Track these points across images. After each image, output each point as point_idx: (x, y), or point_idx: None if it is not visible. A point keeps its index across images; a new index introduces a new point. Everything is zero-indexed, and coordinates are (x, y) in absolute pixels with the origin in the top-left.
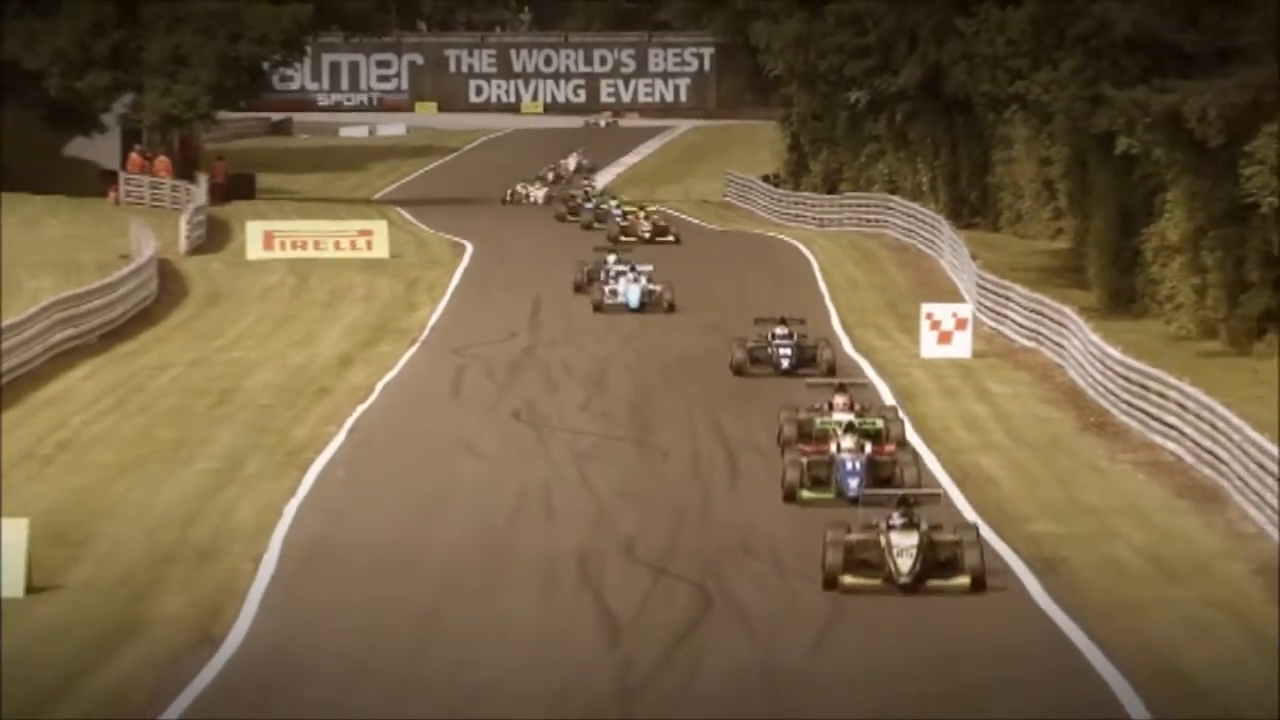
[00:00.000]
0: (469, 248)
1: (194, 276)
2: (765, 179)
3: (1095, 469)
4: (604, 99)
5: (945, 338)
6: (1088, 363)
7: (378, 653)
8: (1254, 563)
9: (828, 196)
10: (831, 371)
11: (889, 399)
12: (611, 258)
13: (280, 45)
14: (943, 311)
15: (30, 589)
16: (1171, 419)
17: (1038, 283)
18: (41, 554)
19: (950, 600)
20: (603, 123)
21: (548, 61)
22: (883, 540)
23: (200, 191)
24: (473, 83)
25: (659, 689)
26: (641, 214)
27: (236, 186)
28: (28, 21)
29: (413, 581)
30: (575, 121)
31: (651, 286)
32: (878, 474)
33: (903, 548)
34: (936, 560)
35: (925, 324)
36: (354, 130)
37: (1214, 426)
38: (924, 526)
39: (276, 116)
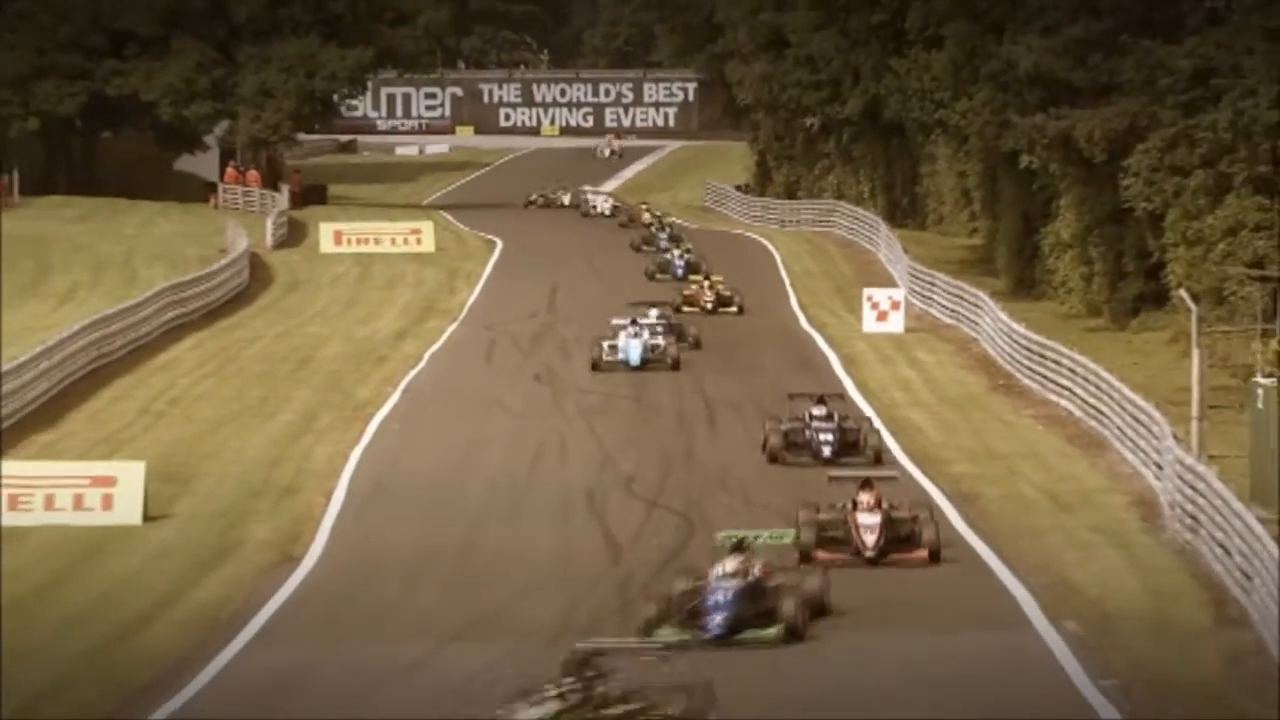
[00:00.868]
0: (499, 244)
1: (278, 267)
2: (737, 188)
3: (1003, 421)
4: (608, 124)
5: (883, 316)
6: (997, 336)
7: (427, 566)
8: (1129, 496)
9: (787, 202)
10: (878, 459)
11: (837, 367)
12: (624, 330)
13: (347, 81)
14: (880, 295)
15: (147, 518)
16: (1064, 381)
17: (957, 272)
18: (155, 490)
19: None
20: (607, 152)
21: (563, 93)
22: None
23: (282, 198)
24: (502, 110)
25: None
26: (706, 284)
27: (311, 194)
28: (145, 62)
29: (455, 511)
30: (587, 141)
31: (656, 341)
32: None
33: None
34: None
35: (866, 305)
36: (406, 149)
37: (1098, 387)
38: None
39: (344, 138)
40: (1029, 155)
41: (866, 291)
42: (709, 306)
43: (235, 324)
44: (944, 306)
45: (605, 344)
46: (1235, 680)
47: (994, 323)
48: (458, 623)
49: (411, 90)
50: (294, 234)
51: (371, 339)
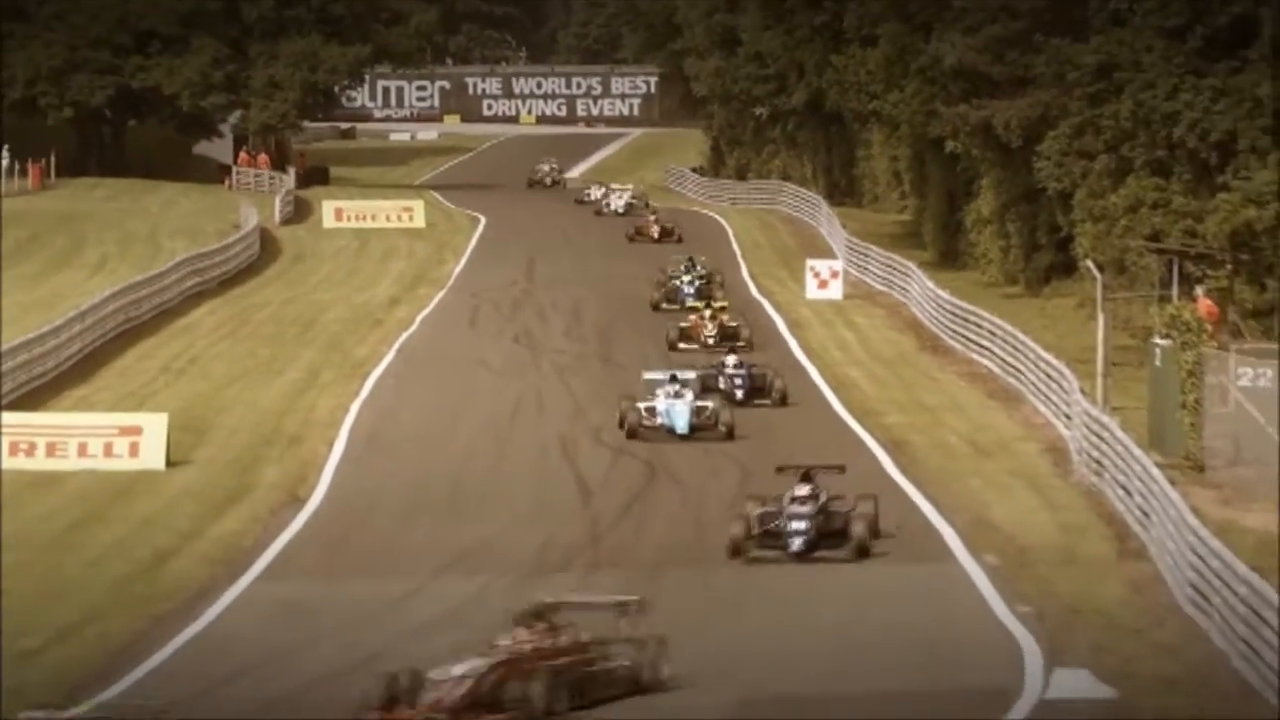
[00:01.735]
0: (482, 220)
1: (285, 240)
2: (694, 170)
3: (930, 378)
4: (579, 114)
5: (823, 284)
6: (925, 302)
7: (419, 507)
8: (1042, 444)
9: (739, 183)
10: (864, 554)
11: (783, 329)
12: (662, 388)
13: (346, 75)
14: (821, 265)
15: (169, 464)
16: (984, 342)
17: (889, 245)
18: (177, 439)
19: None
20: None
21: (539, 86)
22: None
23: (289, 179)
24: (485, 101)
25: (618, 534)
26: (708, 314)
27: (315, 176)
28: (167, 58)
29: (442, 457)
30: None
31: (704, 404)
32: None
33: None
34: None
35: (809, 274)
36: (400, 135)
37: (1014, 347)
38: (823, 498)
39: (344, 125)
40: (953, 141)
41: (809, 262)
42: (710, 342)
43: (248, 291)
44: (878, 275)
45: (641, 405)
46: (1135, 606)
47: (922, 290)
48: (446, 557)
49: (404, 83)
50: (299, 211)
51: (369, 305)
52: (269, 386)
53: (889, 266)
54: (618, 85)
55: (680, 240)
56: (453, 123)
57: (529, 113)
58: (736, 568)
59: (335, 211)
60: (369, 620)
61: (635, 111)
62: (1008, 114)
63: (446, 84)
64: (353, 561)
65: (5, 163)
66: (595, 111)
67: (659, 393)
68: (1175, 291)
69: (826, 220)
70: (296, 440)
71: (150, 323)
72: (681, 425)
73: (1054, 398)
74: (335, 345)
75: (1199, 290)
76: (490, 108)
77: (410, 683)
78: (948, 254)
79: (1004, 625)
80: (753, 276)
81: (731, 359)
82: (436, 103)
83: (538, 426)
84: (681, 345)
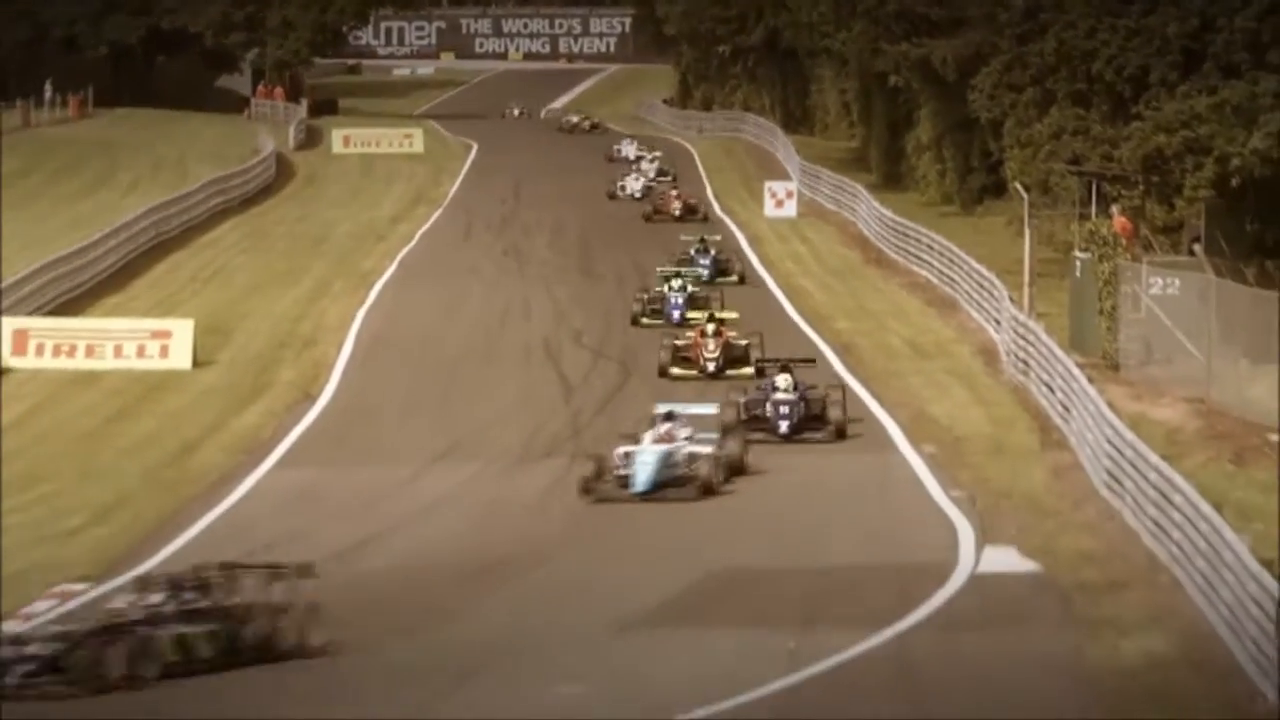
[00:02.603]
0: (475, 146)
1: (298, 165)
2: (664, 101)
3: (875, 288)
4: (561, 50)
5: (780, 204)
6: (870, 220)
7: (418, 402)
8: (974, 346)
9: (705, 113)
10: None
11: (744, 243)
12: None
13: (354, 16)
14: (778, 187)
15: (196, 364)
16: (924, 255)
17: (838, 168)
18: (202, 341)
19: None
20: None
21: (525, 26)
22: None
23: (302, 110)
24: (477, 39)
25: (596, 427)
26: (710, 328)
27: (325, 107)
28: (192, 2)
29: (439, 358)
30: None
31: (699, 449)
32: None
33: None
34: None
35: (767, 195)
36: (401, 70)
37: (950, 261)
38: (801, 388)
39: (351, 61)
40: (895, 76)
41: (767, 184)
42: (710, 367)
43: (265, 210)
44: (828, 196)
45: (621, 451)
46: (1057, 491)
47: (868, 209)
48: (441, 446)
49: (405, 23)
50: (311, 138)
51: (374, 222)
52: (285, 295)
53: (838, 188)
54: (596, 25)
55: (706, 219)
56: (448, 59)
57: (516, 50)
58: None
59: (343, 138)
60: (374, 503)
61: (612, 49)
62: (944, 51)
63: (443, 24)
64: (359, 451)
65: (49, 95)
66: (576, 49)
67: (645, 436)
68: (1094, 210)
69: (783, 146)
70: (309, 343)
71: (178, 238)
72: (642, 481)
73: (986, 305)
74: (344, 258)
75: (1115, 209)
76: (481, 45)
77: None
78: (891, 177)
79: (940, 508)
80: (716, 196)
81: (783, 380)
82: (433, 41)
83: (524, 330)
84: (675, 370)
